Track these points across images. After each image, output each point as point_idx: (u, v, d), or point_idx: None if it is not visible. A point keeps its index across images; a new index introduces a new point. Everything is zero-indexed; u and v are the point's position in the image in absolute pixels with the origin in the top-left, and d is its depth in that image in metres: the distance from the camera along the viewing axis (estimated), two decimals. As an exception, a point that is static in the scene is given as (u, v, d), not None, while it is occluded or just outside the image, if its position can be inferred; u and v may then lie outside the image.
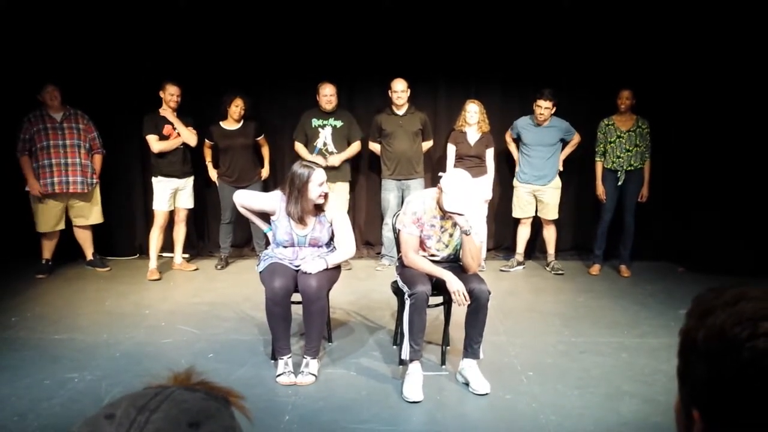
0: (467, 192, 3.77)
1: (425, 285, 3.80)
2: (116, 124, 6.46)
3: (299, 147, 6.31)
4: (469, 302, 3.79)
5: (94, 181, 6.23)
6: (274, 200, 4.10)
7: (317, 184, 3.96)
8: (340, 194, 6.23)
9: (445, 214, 3.94)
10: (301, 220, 4.01)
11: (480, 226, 4.15)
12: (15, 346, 4.46)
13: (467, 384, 3.89)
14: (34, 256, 6.29)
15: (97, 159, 6.26)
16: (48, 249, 6.21)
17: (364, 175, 6.90)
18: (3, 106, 6.23)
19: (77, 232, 6.31)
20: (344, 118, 6.33)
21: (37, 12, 6.19)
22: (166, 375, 0.77)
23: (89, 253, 6.41)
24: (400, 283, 4.01)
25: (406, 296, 3.87)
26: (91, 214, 6.29)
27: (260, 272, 4.11)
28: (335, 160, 6.23)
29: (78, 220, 6.25)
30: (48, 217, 6.10)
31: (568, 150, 6.41)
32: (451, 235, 4.03)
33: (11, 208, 6.31)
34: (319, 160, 6.02)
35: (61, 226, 6.21)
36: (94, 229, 6.40)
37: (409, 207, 3.98)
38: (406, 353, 3.86)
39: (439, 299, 4.26)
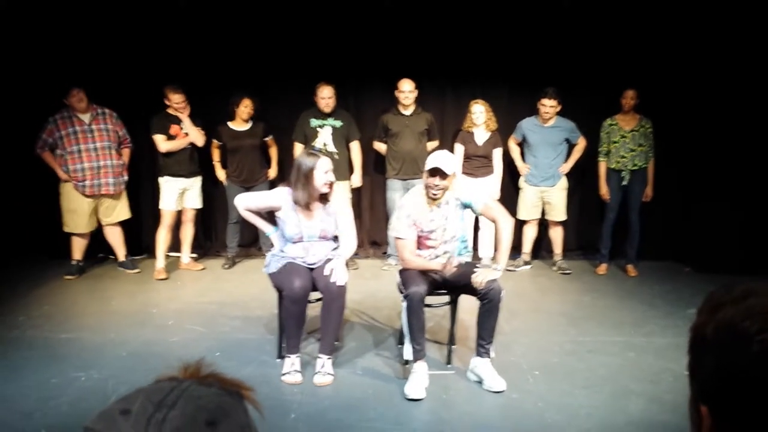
0: (441, 156, 3.95)
1: (420, 285, 3.82)
2: (123, 123, 6.48)
3: (299, 150, 6.23)
4: (454, 267, 3.86)
5: (125, 178, 6.23)
6: (280, 195, 4.11)
7: (323, 171, 3.98)
8: (340, 193, 6.23)
9: (435, 200, 3.97)
10: (307, 207, 4.01)
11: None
12: (22, 345, 4.48)
13: (480, 382, 3.89)
14: (40, 254, 6.37)
15: (126, 153, 6.29)
16: (78, 251, 6.19)
17: (369, 175, 6.89)
18: (11, 105, 6.27)
19: (106, 231, 6.30)
20: (343, 118, 6.31)
21: (40, 13, 6.21)
22: (177, 366, 0.77)
23: (121, 254, 6.38)
24: (399, 285, 4.05)
25: (401, 298, 3.91)
26: (117, 211, 6.26)
27: (271, 273, 4.10)
28: (357, 180, 6.42)
29: (106, 219, 6.24)
30: (80, 219, 6.07)
31: (575, 155, 6.39)
32: (446, 218, 4.03)
33: (9, 207, 6.35)
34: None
35: (93, 226, 6.20)
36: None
37: (403, 211, 4.01)
38: (409, 354, 3.90)
39: (446, 299, 4.27)
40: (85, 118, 6.00)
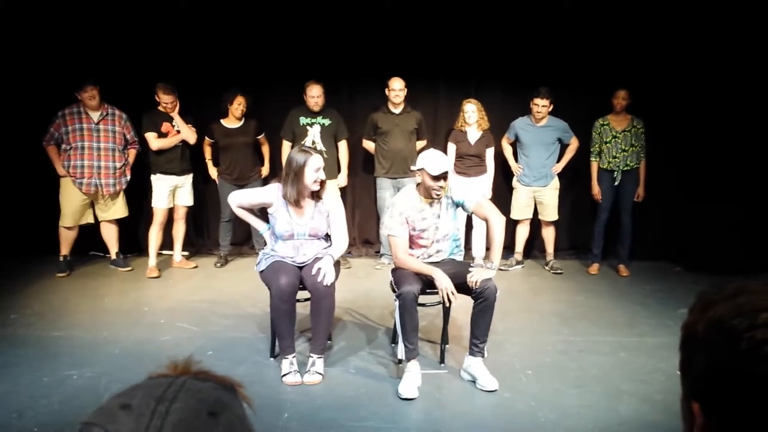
0: (442, 158, 3.96)
1: (412, 285, 3.82)
2: (132, 126, 6.43)
3: (287, 148, 6.19)
4: (455, 301, 3.84)
5: (127, 178, 6.21)
6: (271, 192, 4.09)
7: (314, 169, 3.96)
8: (332, 191, 6.22)
9: (430, 200, 3.98)
10: (297, 203, 3.99)
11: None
12: (14, 343, 4.46)
13: (473, 381, 3.90)
14: (32, 251, 6.34)
15: (132, 153, 6.27)
16: (66, 245, 6.15)
17: (359, 174, 6.89)
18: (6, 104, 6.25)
19: (102, 228, 6.29)
20: (332, 117, 6.30)
21: (35, 13, 6.18)
22: (166, 364, 0.78)
23: (113, 252, 6.37)
24: (392, 284, 4.05)
25: (394, 297, 3.92)
26: (114, 208, 6.23)
27: (261, 271, 4.09)
28: (343, 179, 6.41)
29: (102, 215, 6.23)
30: (73, 211, 6.04)
31: (568, 156, 6.41)
32: (439, 216, 4.04)
33: (1, 205, 6.33)
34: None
35: (85, 220, 6.17)
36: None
37: (395, 209, 4.01)
38: (401, 353, 3.91)
39: (439, 297, 4.27)
40: (94, 116, 5.97)
